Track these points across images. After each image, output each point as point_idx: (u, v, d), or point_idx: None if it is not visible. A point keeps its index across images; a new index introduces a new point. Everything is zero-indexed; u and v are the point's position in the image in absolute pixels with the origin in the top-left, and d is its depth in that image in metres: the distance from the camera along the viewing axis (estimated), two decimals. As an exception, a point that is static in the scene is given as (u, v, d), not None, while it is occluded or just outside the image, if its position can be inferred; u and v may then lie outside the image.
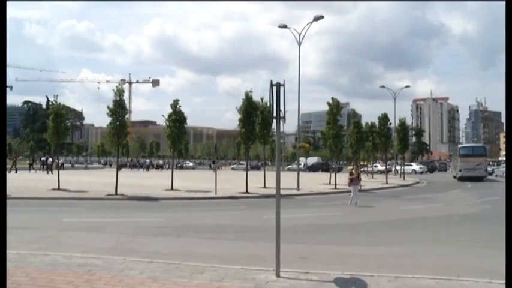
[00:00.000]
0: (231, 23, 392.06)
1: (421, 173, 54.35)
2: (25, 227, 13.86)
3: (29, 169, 54.87)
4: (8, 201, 20.66)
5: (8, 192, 23.66)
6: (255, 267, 8.00)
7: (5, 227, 6.69)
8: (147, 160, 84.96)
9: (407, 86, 59.99)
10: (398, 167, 55.53)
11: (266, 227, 13.81)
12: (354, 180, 21.64)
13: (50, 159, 61.58)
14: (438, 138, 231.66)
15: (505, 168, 50.12)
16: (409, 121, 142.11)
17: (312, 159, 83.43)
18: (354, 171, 22.65)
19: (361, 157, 58.07)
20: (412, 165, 65.95)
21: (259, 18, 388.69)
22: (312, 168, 74.20)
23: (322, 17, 31.83)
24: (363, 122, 48.62)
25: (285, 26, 32.86)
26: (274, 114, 7.51)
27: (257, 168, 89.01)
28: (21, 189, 26.53)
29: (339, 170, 78.45)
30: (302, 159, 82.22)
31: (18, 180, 34.66)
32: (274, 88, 7.49)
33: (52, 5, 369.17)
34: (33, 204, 19.98)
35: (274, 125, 27.88)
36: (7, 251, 9.09)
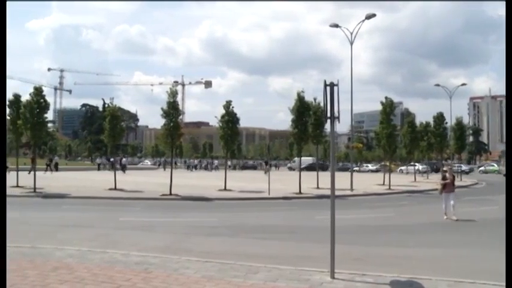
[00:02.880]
0: (280, 23, 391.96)
1: (424, 172, 54.56)
2: (84, 225, 14.35)
3: (45, 170, 49.78)
4: (67, 200, 21.63)
5: (68, 191, 24.66)
6: (308, 268, 7.94)
7: (5, 227, 6.86)
8: (216, 161, 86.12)
9: (464, 84, 57.88)
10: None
11: (319, 227, 13.76)
12: (448, 186, 16.86)
13: (124, 159, 63.41)
14: (497, 137, 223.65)
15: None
16: (466, 120, 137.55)
17: (307, 159, 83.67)
18: (447, 174, 17.66)
19: (416, 157, 56.89)
20: (416, 165, 68.45)
21: (308, 17, 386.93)
22: (309, 168, 74.29)
23: (374, 15, 31.33)
24: (417, 121, 47.63)
25: (336, 26, 32.54)
26: (328, 114, 7.44)
27: (253, 168, 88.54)
28: (81, 188, 27.43)
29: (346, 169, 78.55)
30: (297, 159, 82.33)
31: (79, 180, 35.88)
32: (328, 88, 7.43)
33: (106, 10, 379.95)
34: (91, 203, 20.59)
35: (327, 125, 27.66)
36: (69, 247, 9.51)
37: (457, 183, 19.53)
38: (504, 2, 7.10)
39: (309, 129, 27.92)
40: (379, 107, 33.30)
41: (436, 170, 66.59)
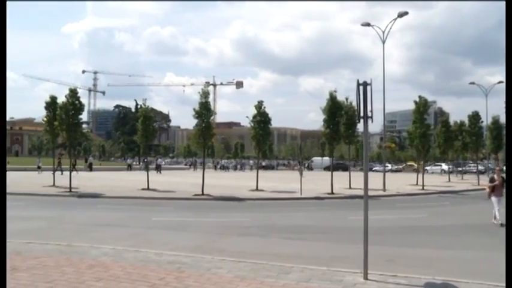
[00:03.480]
0: (311, 22, 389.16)
1: (451, 172, 53.01)
2: (118, 225, 14.58)
3: (73, 170, 47.86)
4: (101, 200, 22.03)
5: (102, 191, 25.09)
6: (341, 268, 7.91)
7: (5, 226, 6.96)
8: (251, 161, 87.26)
9: (501, 82, 56.45)
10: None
11: (352, 228, 13.68)
12: (497, 188, 15.28)
13: (160, 160, 64.53)
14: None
15: None
16: (503, 119, 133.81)
17: (325, 160, 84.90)
18: (495, 176, 15.79)
19: (450, 157, 55.89)
20: (441, 165, 66.13)
21: (339, 16, 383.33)
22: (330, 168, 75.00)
23: (406, 13, 30.91)
24: (451, 120, 46.74)
25: (368, 24, 32.28)
26: (361, 114, 7.38)
27: (270, 168, 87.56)
28: (115, 188, 27.87)
29: (346, 169, 78.11)
30: (315, 159, 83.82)
31: (112, 180, 36.51)
32: (361, 87, 7.37)
33: (138, 12, 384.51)
34: (124, 203, 20.87)
35: (359, 125, 27.30)
36: (104, 246, 9.70)
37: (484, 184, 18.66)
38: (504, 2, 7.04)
39: (341, 129, 27.72)
40: (412, 106, 32.82)
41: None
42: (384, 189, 27.98)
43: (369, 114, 7.39)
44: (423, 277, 7.41)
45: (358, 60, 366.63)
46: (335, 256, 9.74)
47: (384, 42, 31.78)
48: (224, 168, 78.87)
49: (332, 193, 25.34)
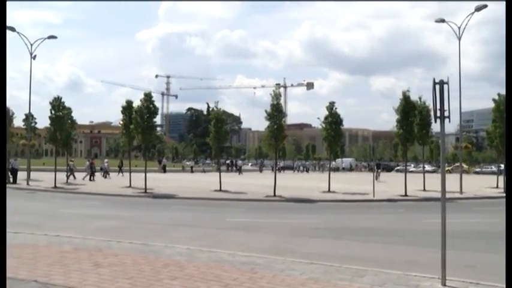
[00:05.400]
0: (382, 21, 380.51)
1: None
2: (191, 225, 14.93)
3: (119, 172, 46.53)
4: (175, 201, 22.61)
5: (175, 192, 25.73)
6: (417, 273, 7.67)
7: (5, 226, 7.06)
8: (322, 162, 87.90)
9: None
10: None
11: (427, 231, 13.30)
12: None
13: (240, 162, 65.87)
14: None
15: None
16: None
17: (347, 160, 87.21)
18: None
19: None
20: (501, 166, 62.39)
21: (411, 14, 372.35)
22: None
23: (485, 6, 29.58)
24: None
25: (442, 21, 31.20)
26: (438, 114, 7.14)
27: (290, 168, 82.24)
28: (188, 189, 28.52)
29: (390, 169, 73.88)
30: (338, 160, 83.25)
31: (185, 182, 37.41)
32: (437, 86, 7.13)
33: (208, 17, 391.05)
34: (197, 204, 21.29)
35: (433, 125, 26.29)
36: (178, 246, 9.95)
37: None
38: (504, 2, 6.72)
39: (414, 130, 26.97)
40: (491, 105, 31.43)
41: None
42: (461, 192, 26.96)
43: (446, 114, 7.15)
44: (506, 285, 7.05)
45: (431, 58, 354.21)
46: (410, 260, 9.47)
47: (459, 39, 30.66)
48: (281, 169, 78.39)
49: (406, 195, 24.71)
